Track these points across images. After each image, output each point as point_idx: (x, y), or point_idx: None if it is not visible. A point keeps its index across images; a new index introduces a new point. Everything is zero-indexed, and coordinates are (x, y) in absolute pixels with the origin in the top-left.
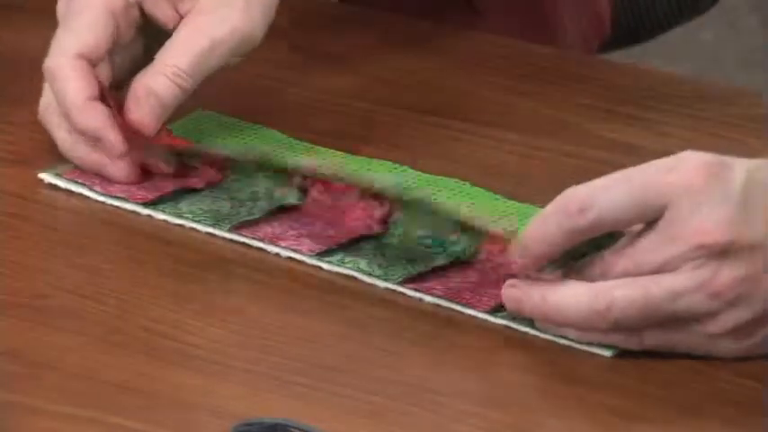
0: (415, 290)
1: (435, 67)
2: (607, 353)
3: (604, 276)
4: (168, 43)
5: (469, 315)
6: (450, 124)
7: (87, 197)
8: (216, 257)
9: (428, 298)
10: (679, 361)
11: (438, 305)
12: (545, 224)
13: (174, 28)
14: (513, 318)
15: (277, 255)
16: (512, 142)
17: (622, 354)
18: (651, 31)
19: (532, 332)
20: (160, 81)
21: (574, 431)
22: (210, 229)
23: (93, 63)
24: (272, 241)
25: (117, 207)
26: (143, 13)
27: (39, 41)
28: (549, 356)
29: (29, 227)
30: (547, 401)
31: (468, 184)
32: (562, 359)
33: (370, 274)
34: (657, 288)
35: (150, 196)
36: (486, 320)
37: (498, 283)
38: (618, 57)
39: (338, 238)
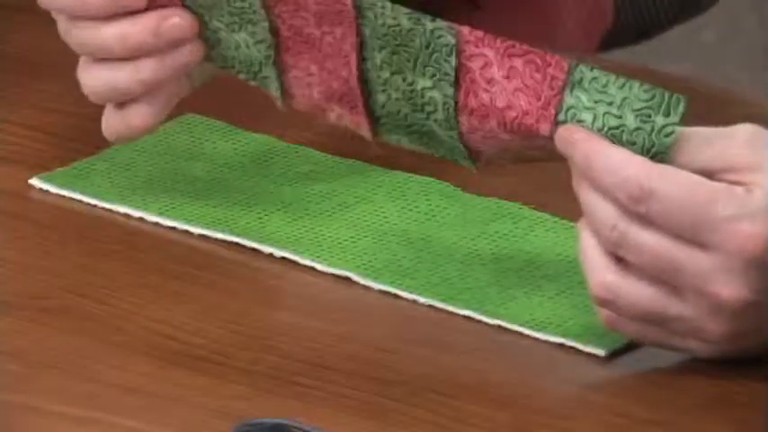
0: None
1: None
2: (601, 352)
3: None
4: None
5: (466, 315)
6: None
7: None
8: (216, 257)
9: (422, 299)
10: (679, 360)
11: (432, 306)
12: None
13: None
14: (511, 317)
15: (278, 256)
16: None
17: (622, 353)
18: (653, 28)
19: (532, 332)
20: None
21: (574, 431)
22: (206, 232)
23: None
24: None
25: (117, 207)
26: None
27: (37, 42)
28: (549, 356)
29: (28, 227)
30: (547, 401)
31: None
32: (562, 359)
33: (365, 276)
34: (704, 190)
35: None
36: (482, 321)
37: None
38: (618, 56)
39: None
